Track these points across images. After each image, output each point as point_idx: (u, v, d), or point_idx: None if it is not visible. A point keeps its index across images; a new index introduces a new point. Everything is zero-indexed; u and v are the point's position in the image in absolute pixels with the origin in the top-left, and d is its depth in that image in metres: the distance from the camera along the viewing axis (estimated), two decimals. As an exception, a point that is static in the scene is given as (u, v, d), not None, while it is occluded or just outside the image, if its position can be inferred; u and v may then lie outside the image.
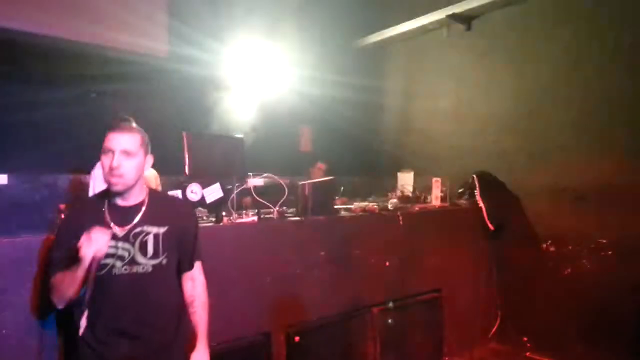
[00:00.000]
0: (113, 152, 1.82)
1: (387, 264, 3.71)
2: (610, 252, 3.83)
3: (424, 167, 4.78)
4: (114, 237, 1.84)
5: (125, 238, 1.87)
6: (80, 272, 1.71)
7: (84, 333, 1.86)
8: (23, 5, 4.39)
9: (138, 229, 1.89)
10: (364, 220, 3.74)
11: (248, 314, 2.94)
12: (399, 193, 4.53)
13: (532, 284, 4.35)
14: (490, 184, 4.54)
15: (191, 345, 2.04)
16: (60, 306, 1.81)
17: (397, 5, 5.90)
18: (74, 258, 1.71)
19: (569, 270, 4.08)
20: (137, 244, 1.88)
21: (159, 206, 1.98)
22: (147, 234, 1.91)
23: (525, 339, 4.34)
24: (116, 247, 1.84)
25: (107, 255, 1.80)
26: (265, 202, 3.35)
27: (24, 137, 4.19)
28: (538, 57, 4.45)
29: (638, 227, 3.67)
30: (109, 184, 1.84)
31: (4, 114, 4.12)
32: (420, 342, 3.89)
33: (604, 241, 3.87)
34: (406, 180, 4.64)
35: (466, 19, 5.06)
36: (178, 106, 5.17)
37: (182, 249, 2.03)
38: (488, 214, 4.46)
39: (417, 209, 4.16)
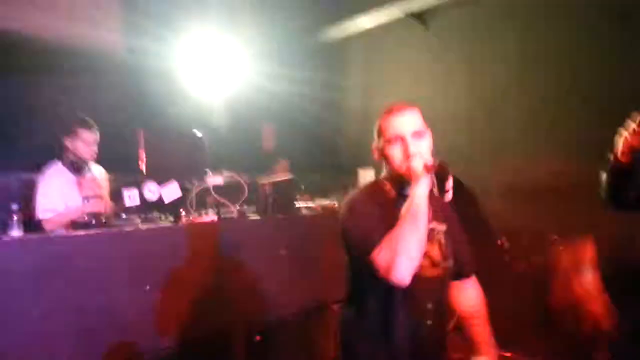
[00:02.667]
0: (404, 139, 1.68)
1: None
2: (561, 248, 3.97)
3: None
4: None
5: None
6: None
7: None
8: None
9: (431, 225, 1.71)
10: (324, 218, 3.76)
11: (207, 313, 2.92)
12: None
13: (489, 279, 4.46)
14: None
15: None
16: (406, 280, 1.53)
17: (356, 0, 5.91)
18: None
19: (524, 265, 4.22)
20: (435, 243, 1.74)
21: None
22: (437, 230, 1.77)
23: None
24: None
25: None
26: (225, 201, 3.33)
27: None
28: (493, 57, 4.57)
29: (586, 222, 3.81)
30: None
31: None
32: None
33: (556, 237, 4.02)
34: (366, 178, 4.68)
35: (422, 17, 5.13)
36: (133, 101, 5.05)
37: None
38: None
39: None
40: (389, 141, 1.70)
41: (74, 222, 2.95)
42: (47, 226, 2.97)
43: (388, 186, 1.78)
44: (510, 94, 4.42)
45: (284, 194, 3.54)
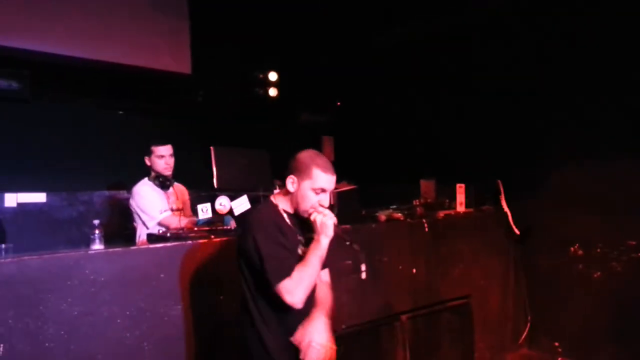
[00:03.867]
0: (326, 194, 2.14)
1: (414, 271, 3.72)
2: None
3: (443, 174, 4.75)
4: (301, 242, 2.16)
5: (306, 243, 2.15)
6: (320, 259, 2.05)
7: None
8: (53, 28, 4.56)
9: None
10: (390, 228, 3.76)
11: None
12: (422, 200, 4.53)
13: (561, 287, 4.30)
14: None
15: None
16: (300, 305, 1.98)
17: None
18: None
19: (599, 273, 4.03)
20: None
21: None
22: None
23: (557, 344, 4.29)
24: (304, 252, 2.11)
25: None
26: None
27: (56, 156, 4.35)
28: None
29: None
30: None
31: (37, 135, 4.29)
32: (450, 349, 3.88)
33: (633, 243, 3.83)
34: (429, 188, 4.63)
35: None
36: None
37: None
38: (513, 219, 4.45)
39: (441, 215, 4.16)
40: (315, 190, 2.10)
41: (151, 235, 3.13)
42: (171, 222, 3.29)
43: (285, 213, 2.18)
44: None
45: (349, 203, 3.57)
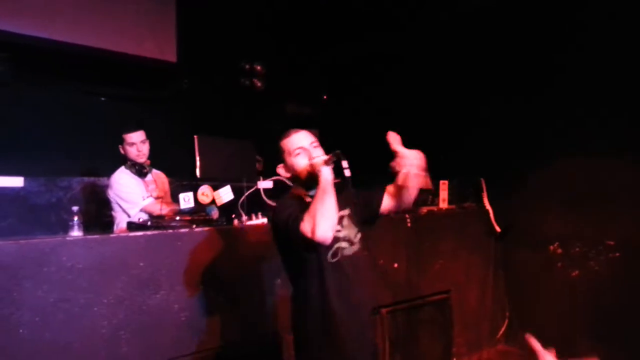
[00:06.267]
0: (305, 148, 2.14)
1: (396, 265, 3.74)
2: (618, 254, 3.84)
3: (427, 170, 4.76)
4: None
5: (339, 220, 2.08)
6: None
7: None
8: (34, 10, 4.46)
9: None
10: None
11: (259, 315, 2.97)
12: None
13: (540, 285, 4.35)
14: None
15: None
16: (328, 237, 1.87)
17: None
18: None
19: (577, 272, 4.09)
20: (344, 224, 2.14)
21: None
22: (344, 216, 2.15)
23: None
24: (339, 230, 2.08)
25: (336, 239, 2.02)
26: (275, 204, 3.38)
27: (36, 141, 4.27)
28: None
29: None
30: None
31: (16, 118, 4.21)
32: (429, 343, 3.91)
33: (612, 243, 3.88)
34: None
35: None
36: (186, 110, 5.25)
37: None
38: (495, 217, 4.49)
39: (424, 211, 4.18)
40: (293, 154, 2.14)
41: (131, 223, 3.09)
42: (153, 209, 3.24)
43: (301, 192, 2.17)
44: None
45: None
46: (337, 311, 2.04)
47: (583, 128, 4.06)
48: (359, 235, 2.18)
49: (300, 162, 2.14)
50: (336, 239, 2.04)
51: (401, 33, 5.41)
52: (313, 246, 1.89)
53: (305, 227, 1.86)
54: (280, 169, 2.23)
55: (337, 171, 2.03)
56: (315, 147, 2.16)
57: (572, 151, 4.11)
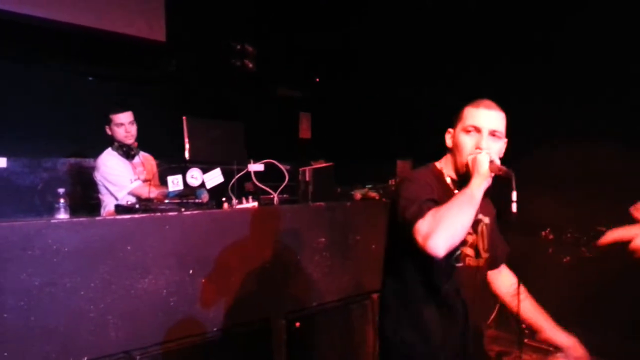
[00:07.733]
0: (480, 131, 1.73)
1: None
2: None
3: (420, 154, 4.73)
4: None
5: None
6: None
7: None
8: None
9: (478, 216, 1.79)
10: (364, 207, 3.73)
11: (248, 300, 2.93)
12: (398, 180, 4.51)
13: (531, 271, 4.35)
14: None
15: None
16: (440, 252, 1.49)
17: None
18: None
19: (568, 258, 4.09)
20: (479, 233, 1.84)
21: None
22: (483, 222, 1.87)
23: (524, 325, 4.34)
24: (470, 233, 1.77)
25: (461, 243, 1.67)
26: (266, 188, 3.34)
27: (20, 120, 4.17)
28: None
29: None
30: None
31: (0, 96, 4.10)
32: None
33: (603, 229, 3.88)
34: (405, 168, 4.61)
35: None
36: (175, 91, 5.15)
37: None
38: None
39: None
40: (465, 129, 1.76)
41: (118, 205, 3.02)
42: (142, 192, 3.20)
43: (445, 174, 1.86)
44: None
45: (324, 181, 3.53)
46: (440, 322, 1.78)
47: (574, 114, 4.04)
48: (488, 253, 1.88)
49: (467, 145, 1.75)
50: (464, 242, 1.71)
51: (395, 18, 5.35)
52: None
53: (422, 227, 1.52)
54: (448, 135, 1.87)
55: (497, 190, 1.72)
56: (495, 139, 1.75)
57: (563, 137, 4.10)
